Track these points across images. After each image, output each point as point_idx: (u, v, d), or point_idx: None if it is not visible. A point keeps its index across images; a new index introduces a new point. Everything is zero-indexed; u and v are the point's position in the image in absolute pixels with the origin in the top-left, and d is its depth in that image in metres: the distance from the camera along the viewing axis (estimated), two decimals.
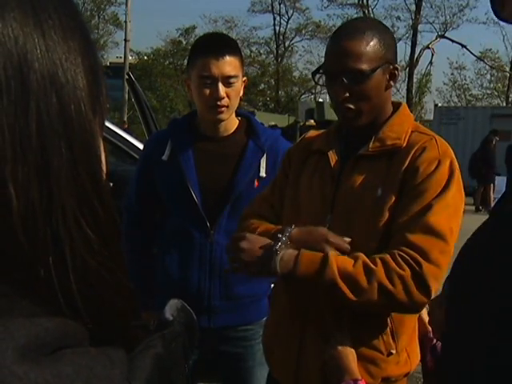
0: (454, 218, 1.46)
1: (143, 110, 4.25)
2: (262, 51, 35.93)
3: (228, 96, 2.01)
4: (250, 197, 1.94)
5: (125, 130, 3.87)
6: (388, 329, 1.53)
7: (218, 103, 2.00)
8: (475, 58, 32.85)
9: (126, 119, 20.95)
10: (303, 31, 35.06)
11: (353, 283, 1.41)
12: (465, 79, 35.65)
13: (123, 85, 18.07)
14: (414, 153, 1.51)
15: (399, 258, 1.41)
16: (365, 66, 1.50)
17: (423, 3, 30.54)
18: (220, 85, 1.99)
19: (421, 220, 1.43)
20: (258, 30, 49.10)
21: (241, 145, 2.08)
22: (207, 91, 2.00)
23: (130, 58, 28.40)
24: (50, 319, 0.42)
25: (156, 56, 33.33)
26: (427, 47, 31.46)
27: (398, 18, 32.13)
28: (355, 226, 1.52)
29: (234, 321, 2.10)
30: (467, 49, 31.93)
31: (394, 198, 1.49)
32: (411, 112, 1.70)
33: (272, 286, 1.95)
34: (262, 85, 35.46)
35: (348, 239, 1.50)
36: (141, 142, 3.53)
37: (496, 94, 34.41)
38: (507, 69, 32.73)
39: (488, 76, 34.51)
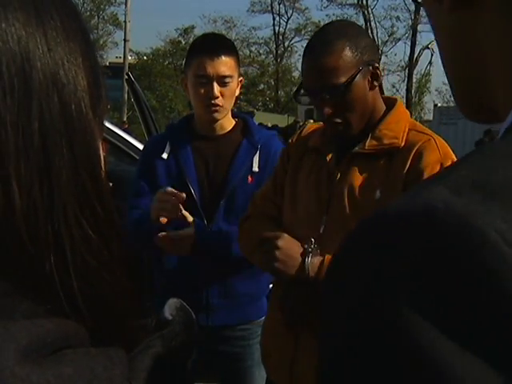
0: None
1: (143, 110, 4.25)
2: (261, 51, 36.01)
3: (222, 95, 2.04)
4: (244, 192, 1.99)
5: (124, 130, 3.88)
6: None
7: (213, 102, 2.03)
8: None
9: (125, 119, 20.95)
10: (303, 31, 35.06)
11: None
12: None
13: (123, 85, 18.05)
14: (415, 154, 1.50)
15: None
16: (342, 79, 1.49)
17: None
18: (215, 84, 2.02)
19: None
20: (258, 30, 49.20)
21: (235, 143, 2.11)
22: (202, 90, 2.04)
23: (130, 58, 28.42)
24: (51, 320, 0.42)
25: (155, 56, 33.33)
26: (427, 47, 31.45)
27: (398, 18, 32.20)
28: (351, 227, 1.51)
29: (233, 319, 2.11)
30: None
31: None
32: (411, 112, 1.70)
33: (270, 286, 1.96)
34: (262, 85, 35.47)
35: None
36: (140, 142, 3.53)
37: None
38: None
39: None
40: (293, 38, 35.82)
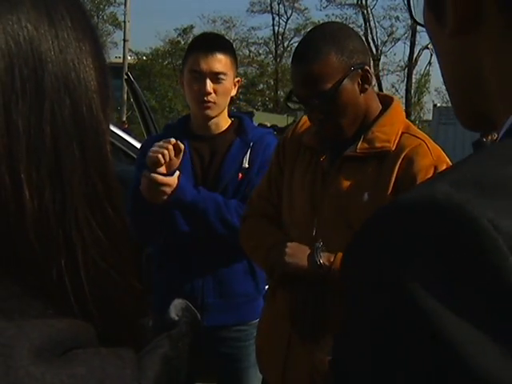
0: None
1: (142, 110, 4.25)
2: (260, 51, 35.90)
3: (216, 92, 2.05)
4: (234, 189, 2.02)
5: (124, 130, 3.88)
6: None
7: (205, 99, 2.04)
8: None
9: (125, 119, 20.92)
10: (302, 31, 34.93)
11: None
12: None
13: (122, 85, 18.02)
14: (403, 159, 1.49)
15: None
16: (328, 85, 1.49)
17: None
18: (208, 80, 2.03)
19: None
20: (257, 30, 48.97)
21: (229, 142, 2.12)
22: (195, 86, 2.05)
23: (129, 58, 28.39)
24: (61, 320, 0.42)
25: (155, 56, 33.23)
26: (426, 47, 31.37)
27: (397, 18, 32.07)
28: (341, 229, 1.51)
29: (228, 320, 2.10)
30: None
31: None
32: (410, 112, 1.70)
33: (267, 287, 1.96)
34: (261, 85, 35.39)
35: None
36: (140, 142, 3.54)
37: None
38: None
39: None
40: (292, 38, 35.71)
